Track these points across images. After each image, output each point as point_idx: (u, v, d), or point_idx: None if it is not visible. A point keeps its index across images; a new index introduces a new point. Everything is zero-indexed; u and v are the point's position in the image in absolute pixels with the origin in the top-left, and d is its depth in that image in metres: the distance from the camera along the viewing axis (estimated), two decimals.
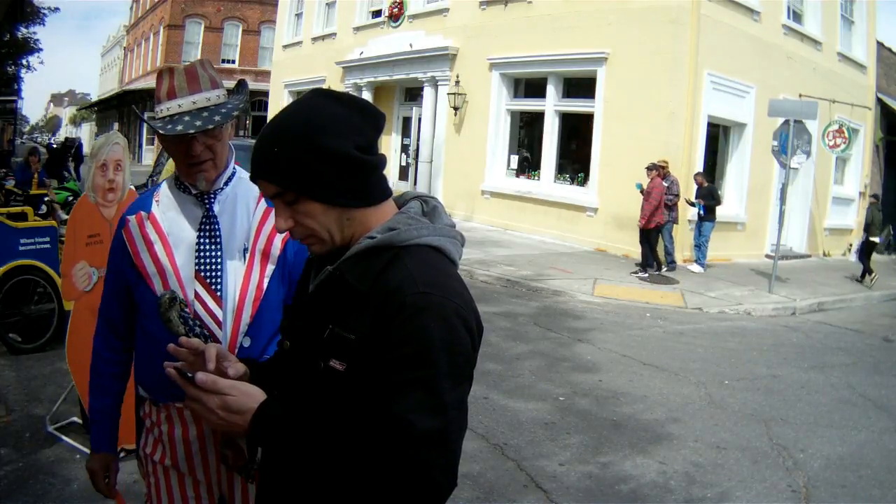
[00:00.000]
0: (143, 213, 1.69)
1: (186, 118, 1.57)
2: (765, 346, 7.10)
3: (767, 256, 12.53)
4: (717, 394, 5.38)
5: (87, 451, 1.94)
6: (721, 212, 12.28)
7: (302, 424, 1.06)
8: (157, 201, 1.71)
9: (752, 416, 4.95)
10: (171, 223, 1.68)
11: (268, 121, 1.23)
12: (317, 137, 1.06)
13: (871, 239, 12.14)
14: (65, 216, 7.71)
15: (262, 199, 1.74)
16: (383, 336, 1.03)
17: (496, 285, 9.05)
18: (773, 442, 4.48)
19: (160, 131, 1.56)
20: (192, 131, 1.55)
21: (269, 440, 1.08)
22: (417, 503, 1.00)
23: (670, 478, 3.84)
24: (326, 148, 1.06)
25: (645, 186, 10.23)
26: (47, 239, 5.21)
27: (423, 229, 1.12)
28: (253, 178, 1.14)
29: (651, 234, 10.21)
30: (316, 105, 1.10)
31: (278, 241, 1.72)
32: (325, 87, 20.42)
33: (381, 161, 1.12)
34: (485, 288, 8.81)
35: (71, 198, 10.69)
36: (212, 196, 1.68)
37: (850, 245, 17.21)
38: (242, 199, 1.72)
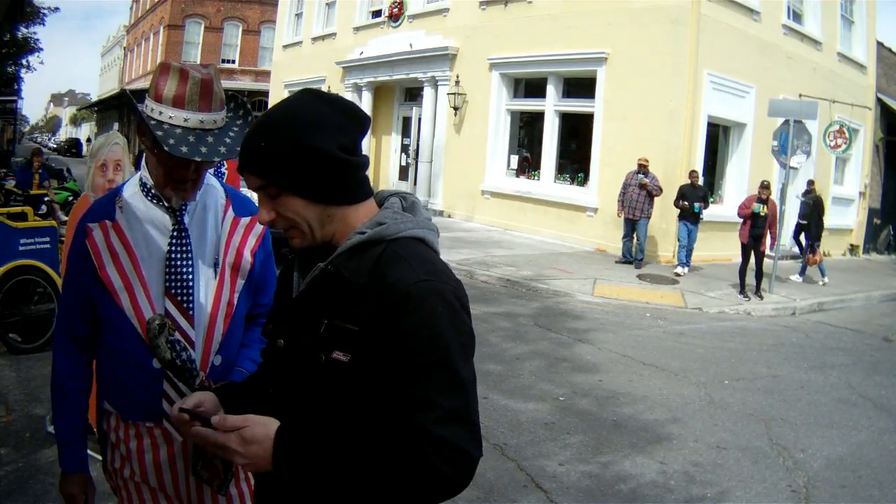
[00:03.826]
0: (107, 221, 1.57)
1: (191, 139, 1.45)
2: (765, 346, 7.10)
3: (767, 256, 12.51)
4: (717, 394, 5.38)
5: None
6: (722, 212, 12.26)
7: (324, 431, 1.07)
8: (119, 207, 1.58)
9: (752, 416, 4.94)
10: (137, 233, 1.56)
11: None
12: (302, 136, 1.10)
13: (800, 222, 12.87)
14: (64, 216, 7.73)
15: (230, 209, 1.67)
16: (392, 325, 1.06)
17: (496, 286, 9.05)
18: (773, 442, 4.48)
19: (163, 145, 1.42)
20: (197, 158, 1.43)
21: (299, 459, 1.06)
22: (456, 479, 1.04)
23: (670, 477, 3.84)
24: (311, 146, 1.09)
25: (764, 209, 9.55)
26: (47, 239, 5.21)
27: (408, 223, 1.18)
28: (240, 171, 1.17)
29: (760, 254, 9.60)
30: (304, 104, 1.14)
31: (248, 254, 1.65)
32: (325, 87, 20.37)
33: (364, 162, 1.17)
34: (485, 288, 8.81)
35: (71, 198, 10.71)
36: (184, 207, 1.58)
37: (851, 245, 17.22)
38: (212, 209, 1.64)
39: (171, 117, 1.46)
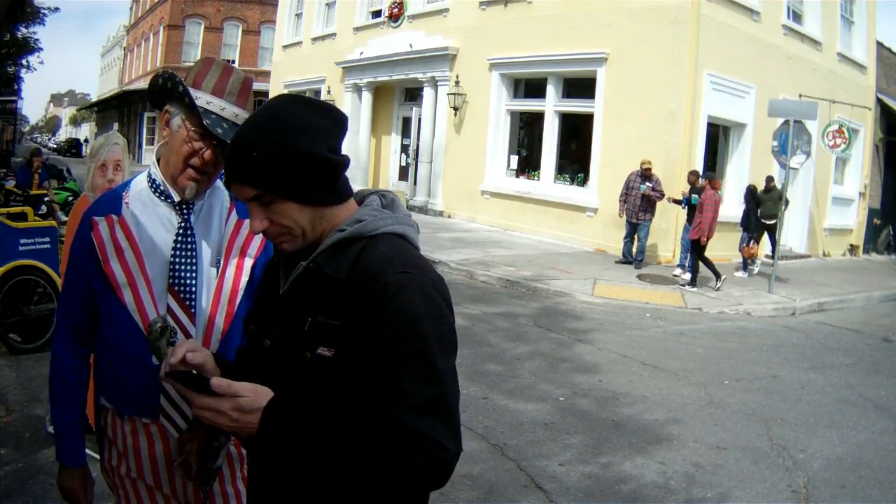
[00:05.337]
0: (113, 216, 1.57)
1: (225, 125, 1.50)
2: (765, 347, 7.10)
3: (767, 256, 12.52)
4: (717, 394, 5.38)
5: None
6: (721, 211, 12.27)
7: (309, 412, 1.09)
8: (126, 203, 1.59)
9: (752, 416, 4.94)
10: (142, 229, 1.57)
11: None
12: (296, 141, 1.11)
13: (765, 222, 12.35)
14: (64, 217, 7.73)
15: (234, 210, 1.68)
16: (370, 317, 1.08)
17: (496, 286, 9.04)
18: (773, 442, 4.48)
19: (204, 119, 1.48)
20: (229, 140, 1.47)
21: (283, 432, 1.08)
22: (430, 470, 1.04)
23: (670, 478, 3.84)
24: (305, 151, 1.11)
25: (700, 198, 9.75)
26: (47, 239, 5.21)
27: (387, 219, 1.20)
28: (229, 183, 1.16)
29: (701, 246, 9.63)
30: (291, 110, 1.15)
31: (250, 256, 1.66)
32: (325, 87, 20.23)
33: (347, 161, 1.19)
34: (485, 288, 8.80)
35: (71, 198, 10.70)
36: (191, 205, 1.60)
37: (851, 245, 17.22)
38: (217, 210, 1.65)
39: (208, 102, 1.51)
